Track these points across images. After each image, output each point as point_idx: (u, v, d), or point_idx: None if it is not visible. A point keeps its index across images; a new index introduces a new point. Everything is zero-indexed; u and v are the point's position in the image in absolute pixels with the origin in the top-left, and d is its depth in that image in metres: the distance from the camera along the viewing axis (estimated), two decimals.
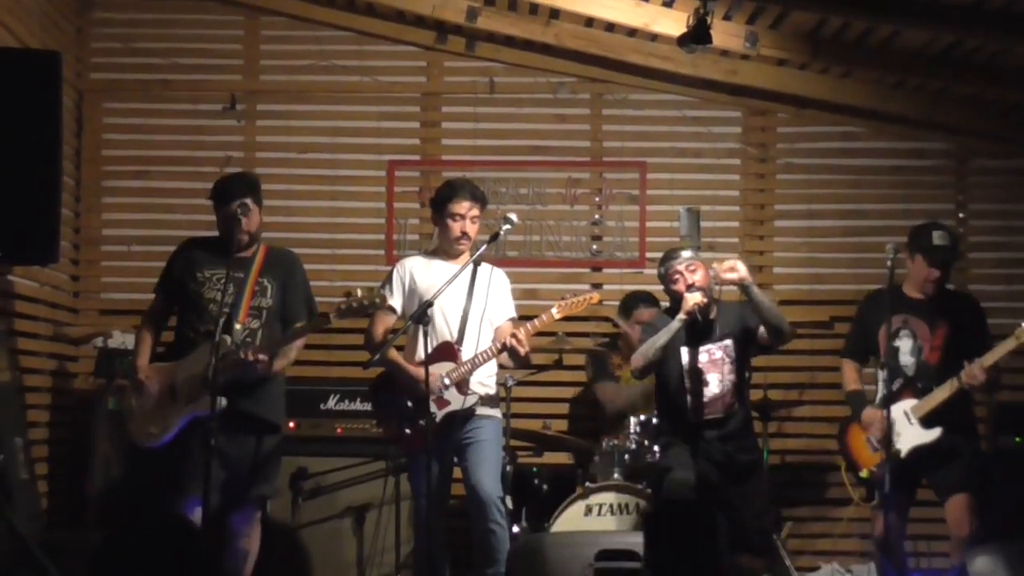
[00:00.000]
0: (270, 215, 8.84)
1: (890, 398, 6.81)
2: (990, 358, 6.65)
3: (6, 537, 5.54)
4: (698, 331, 6.91)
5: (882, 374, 6.91)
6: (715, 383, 6.90)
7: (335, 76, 9.15)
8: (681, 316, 6.79)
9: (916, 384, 6.88)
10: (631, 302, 8.21)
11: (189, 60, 9.15)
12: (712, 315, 6.94)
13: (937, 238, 6.95)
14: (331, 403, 8.19)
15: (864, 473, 6.95)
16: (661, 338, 6.84)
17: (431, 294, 6.57)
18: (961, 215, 9.07)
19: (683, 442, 6.94)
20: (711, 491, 6.83)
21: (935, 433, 6.69)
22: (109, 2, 9.16)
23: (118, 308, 8.86)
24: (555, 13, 8.57)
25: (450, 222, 6.83)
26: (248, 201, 6.67)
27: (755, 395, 7.97)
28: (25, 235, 5.45)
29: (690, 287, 6.84)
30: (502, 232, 6.79)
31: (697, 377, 6.91)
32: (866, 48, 8.26)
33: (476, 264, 6.74)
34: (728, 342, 6.94)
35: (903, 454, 6.76)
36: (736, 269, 6.66)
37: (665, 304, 7.42)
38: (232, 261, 6.55)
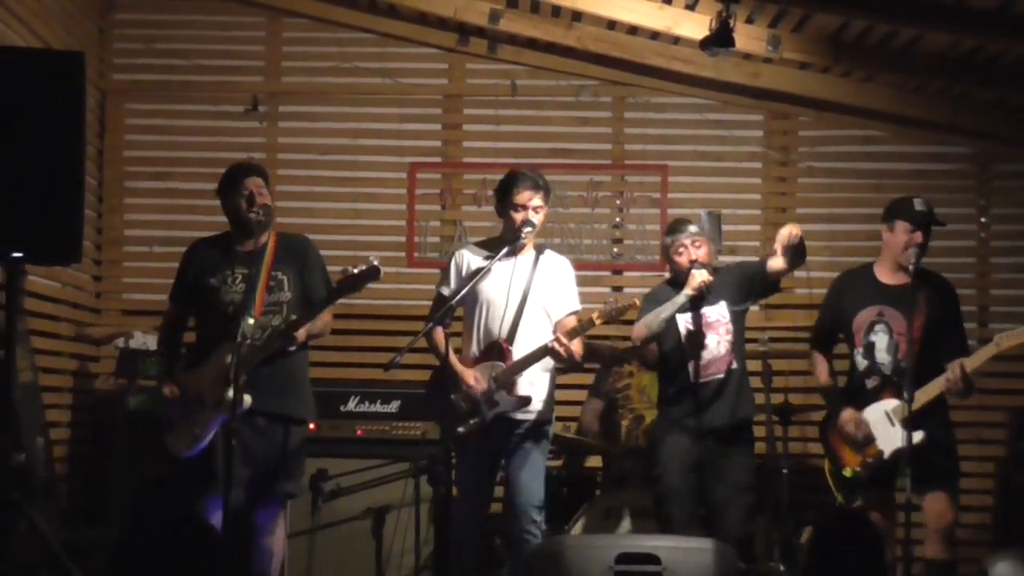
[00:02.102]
0: (291, 216, 8.92)
1: (867, 398, 6.79)
2: (972, 363, 6.54)
3: (28, 537, 5.55)
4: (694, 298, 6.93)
5: (860, 362, 6.87)
6: (713, 344, 6.91)
7: (357, 78, 9.17)
8: (688, 292, 6.82)
9: (895, 384, 6.76)
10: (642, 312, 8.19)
11: (211, 61, 9.18)
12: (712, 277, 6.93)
13: (918, 204, 6.83)
14: (351, 405, 8.19)
15: (848, 472, 6.86)
16: (666, 310, 6.87)
17: (484, 282, 6.57)
18: (983, 219, 9.06)
19: (675, 422, 6.95)
20: (700, 476, 6.88)
21: (919, 436, 6.55)
22: (132, 3, 9.20)
23: (140, 308, 8.89)
24: (577, 16, 8.57)
25: (512, 213, 6.74)
26: (260, 179, 6.62)
27: (776, 399, 7.95)
28: (47, 235, 5.43)
29: (693, 262, 6.86)
30: (523, 235, 6.78)
31: (696, 340, 6.91)
32: (888, 52, 8.24)
33: (539, 253, 6.77)
34: (723, 304, 6.94)
35: (886, 455, 6.67)
36: (796, 231, 6.66)
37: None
38: (243, 256, 6.55)
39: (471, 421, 6.51)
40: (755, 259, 7.16)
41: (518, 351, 6.64)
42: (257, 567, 6.59)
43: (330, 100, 9.20)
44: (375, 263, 6.39)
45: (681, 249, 6.94)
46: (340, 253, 8.92)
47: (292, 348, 6.50)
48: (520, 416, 6.65)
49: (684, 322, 6.95)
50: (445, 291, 6.79)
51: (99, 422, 8.51)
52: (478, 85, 9.23)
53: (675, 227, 7.05)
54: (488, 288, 6.65)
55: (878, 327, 6.82)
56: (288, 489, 6.67)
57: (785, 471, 7.77)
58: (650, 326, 6.93)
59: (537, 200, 6.73)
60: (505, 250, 6.63)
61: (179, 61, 9.15)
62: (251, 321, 6.31)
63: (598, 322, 6.67)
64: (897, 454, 6.56)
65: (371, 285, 8.64)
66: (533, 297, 6.70)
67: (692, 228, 6.98)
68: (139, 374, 8.08)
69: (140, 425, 7.81)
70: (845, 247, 9.00)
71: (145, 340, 8.25)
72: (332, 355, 8.63)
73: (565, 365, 6.82)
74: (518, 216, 6.71)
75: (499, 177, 8.58)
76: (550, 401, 6.81)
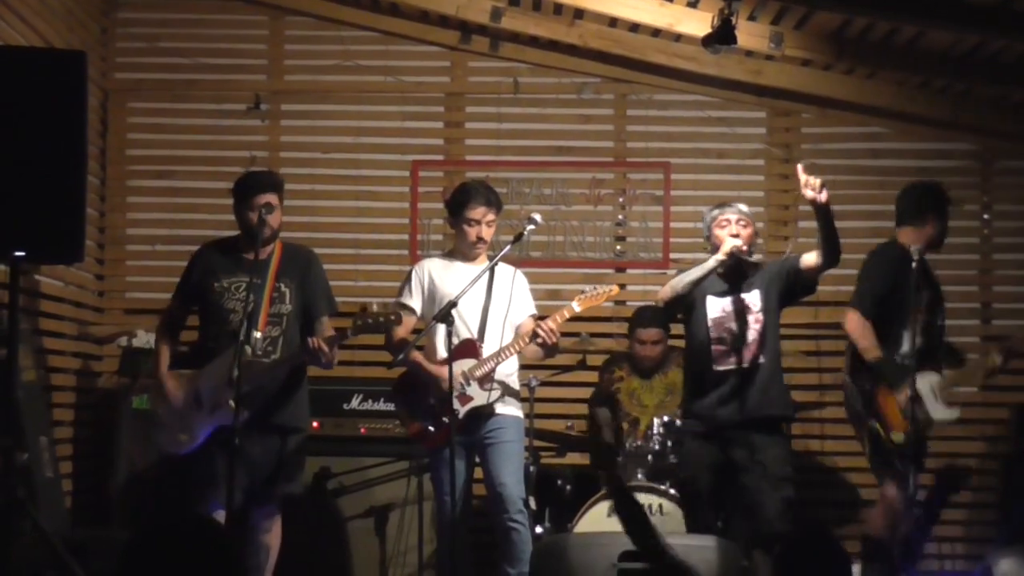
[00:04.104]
0: (294, 215, 8.88)
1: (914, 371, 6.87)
2: None
3: (32, 536, 5.56)
4: (727, 281, 6.95)
5: (914, 337, 6.89)
6: (740, 333, 6.91)
7: (359, 76, 9.16)
8: (719, 256, 6.84)
9: (937, 359, 6.89)
10: (635, 319, 8.18)
11: (214, 60, 9.16)
12: (746, 267, 6.98)
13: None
14: (355, 403, 8.19)
15: (897, 436, 6.89)
16: (693, 273, 6.92)
17: (451, 295, 6.59)
18: (986, 216, 9.04)
19: (699, 418, 6.98)
20: (723, 480, 6.91)
21: (956, 413, 6.72)
22: (134, 2, 9.18)
23: (143, 307, 8.87)
24: (579, 13, 8.57)
25: (465, 227, 6.86)
26: (273, 199, 6.68)
27: None
28: (50, 234, 5.42)
29: (735, 237, 6.89)
30: (526, 232, 6.83)
31: (721, 326, 6.94)
32: (891, 49, 8.24)
33: (495, 265, 6.78)
34: (756, 292, 6.96)
35: (935, 425, 6.82)
36: (817, 190, 6.55)
37: None
38: (249, 264, 6.60)
39: (444, 419, 6.55)
40: (794, 254, 7.16)
41: (487, 352, 6.76)
42: (254, 563, 6.63)
43: (332, 99, 9.19)
44: (400, 312, 6.68)
45: (725, 223, 6.96)
46: (343, 251, 8.96)
47: (325, 364, 6.62)
48: (495, 409, 6.75)
49: (714, 305, 6.96)
50: (407, 301, 6.94)
51: (102, 421, 8.50)
52: (480, 83, 9.21)
53: (724, 203, 7.08)
54: (452, 296, 6.67)
55: (927, 306, 7.00)
56: (288, 491, 6.75)
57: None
58: (675, 287, 6.98)
59: (490, 215, 6.88)
60: (473, 272, 6.75)
61: (181, 60, 9.13)
62: (257, 334, 6.38)
63: (579, 309, 6.84)
64: (940, 425, 6.83)
65: (374, 283, 8.75)
66: (495, 309, 6.83)
67: (742, 207, 7.01)
68: (142, 373, 8.06)
69: (143, 424, 7.81)
70: (848, 244, 8.90)
71: (148, 339, 8.23)
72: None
73: (547, 352, 6.87)
74: (471, 231, 6.86)
75: (501, 175, 8.68)
76: (519, 392, 6.96)
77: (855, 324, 7.06)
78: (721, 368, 6.92)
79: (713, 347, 6.93)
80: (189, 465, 6.59)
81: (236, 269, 6.68)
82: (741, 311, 6.92)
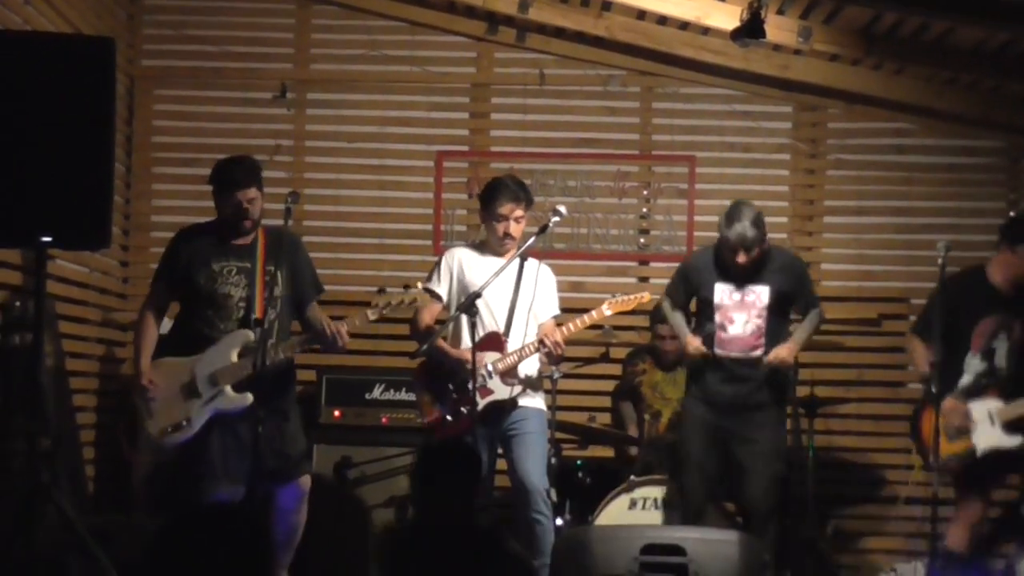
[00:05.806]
0: (318, 204, 8.94)
1: (973, 392, 6.85)
2: None
3: (55, 522, 5.57)
4: (738, 271, 7.01)
5: (977, 363, 6.87)
6: (740, 323, 7.04)
7: (385, 66, 9.15)
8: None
9: (1006, 386, 6.84)
10: (654, 314, 8.15)
11: (240, 48, 9.17)
12: (760, 259, 7.03)
13: None
14: (376, 392, 8.20)
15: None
16: (675, 325, 7.33)
17: (478, 286, 6.58)
18: (1012, 214, 8.98)
19: (700, 391, 7.11)
20: (716, 448, 7.06)
21: (1017, 440, 6.68)
22: None
23: None
24: (607, 5, 8.55)
25: (494, 223, 6.86)
26: (254, 193, 6.58)
27: (802, 391, 7.93)
28: (76, 220, 5.42)
29: (739, 265, 6.94)
30: (551, 224, 6.82)
31: (723, 314, 7.05)
32: (920, 44, 8.19)
33: (523, 259, 6.78)
34: (764, 288, 7.03)
35: (978, 453, 6.74)
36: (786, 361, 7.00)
37: None
38: (236, 249, 6.55)
39: (463, 409, 6.56)
40: (803, 299, 7.29)
41: (511, 346, 6.78)
42: (282, 542, 6.59)
43: (358, 88, 9.19)
44: (420, 287, 6.61)
45: (734, 249, 6.92)
46: (367, 241, 8.97)
47: (340, 347, 6.60)
48: (518, 402, 6.77)
49: (721, 293, 7.06)
50: (435, 287, 6.95)
51: (125, 407, 8.51)
52: (506, 74, 9.20)
53: (734, 217, 6.94)
54: (479, 287, 6.67)
55: (1001, 334, 6.88)
56: (305, 468, 6.70)
57: (811, 463, 7.77)
58: (664, 314, 7.39)
59: (519, 211, 6.88)
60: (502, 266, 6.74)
61: (208, 47, 9.14)
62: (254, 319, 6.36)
63: (610, 312, 6.92)
64: (991, 454, 6.75)
65: (398, 272, 8.73)
66: (522, 303, 6.85)
67: (749, 232, 6.89)
68: None
69: None
70: (873, 240, 8.96)
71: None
72: (358, 343, 8.62)
73: (551, 362, 6.93)
74: (499, 227, 6.87)
75: (526, 166, 8.67)
76: (541, 384, 7.00)
77: (909, 345, 7.21)
78: (722, 353, 7.03)
79: (717, 334, 7.04)
80: (186, 455, 6.51)
81: (224, 254, 6.59)
82: (745, 303, 7.03)
